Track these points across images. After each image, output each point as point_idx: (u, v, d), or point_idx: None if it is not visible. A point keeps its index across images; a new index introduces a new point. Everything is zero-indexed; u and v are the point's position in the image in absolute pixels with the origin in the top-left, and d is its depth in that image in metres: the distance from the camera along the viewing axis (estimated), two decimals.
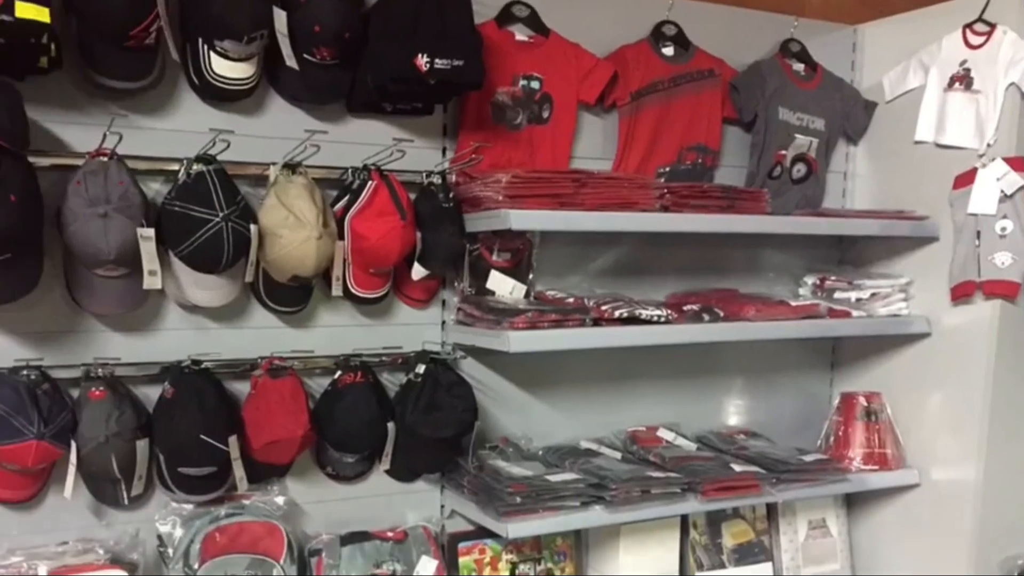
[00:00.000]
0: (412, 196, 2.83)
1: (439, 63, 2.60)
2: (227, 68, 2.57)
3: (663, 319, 2.90)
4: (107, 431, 2.43)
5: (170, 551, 2.63)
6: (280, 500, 2.77)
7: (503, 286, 3.03)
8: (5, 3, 2.09)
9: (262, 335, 2.78)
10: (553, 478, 2.87)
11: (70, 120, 2.51)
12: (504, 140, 3.04)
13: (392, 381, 2.95)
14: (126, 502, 2.60)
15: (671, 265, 3.38)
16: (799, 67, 3.47)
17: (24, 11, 2.12)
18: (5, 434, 2.33)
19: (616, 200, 2.83)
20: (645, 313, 2.87)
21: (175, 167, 2.54)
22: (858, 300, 3.35)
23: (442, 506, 3.08)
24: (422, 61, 2.58)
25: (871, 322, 3.33)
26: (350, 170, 2.79)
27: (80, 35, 2.41)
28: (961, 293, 3.21)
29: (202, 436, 2.50)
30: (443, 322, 3.03)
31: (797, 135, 3.43)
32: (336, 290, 2.77)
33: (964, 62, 3.21)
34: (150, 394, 2.63)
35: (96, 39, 2.42)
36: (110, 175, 2.38)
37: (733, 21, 3.45)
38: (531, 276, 3.10)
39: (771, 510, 3.47)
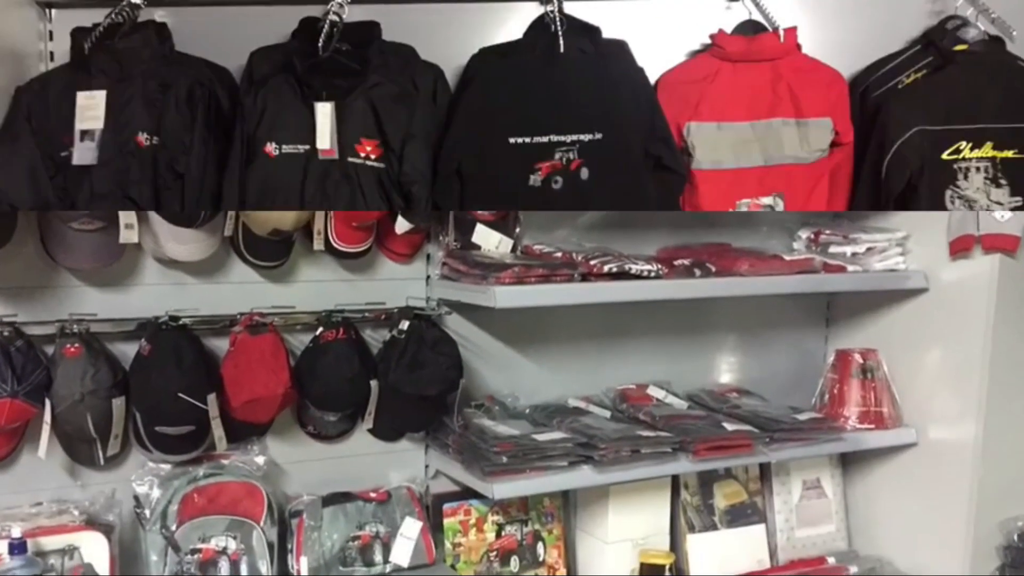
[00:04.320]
0: None
1: None
2: None
3: (653, 274, 2.85)
4: (82, 389, 2.39)
5: (147, 512, 2.58)
6: (260, 460, 2.74)
7: (489, 240, 2.99)
8: None
9: (241, 290, 2.74)
10: (540, 437, 2.83)
11: None
12: None
13: (375, 338, 2.92)
14: (102, 462, 2.56)
15: (662, 218, 3.33)
16: None
17: None
18: None
19: None
20: (635, 268, 2.82)
21: None
22: (854, 254, 3.29)
23: (426, 466, 3.06)
24: None
25: (867, 277, 3.29)
26: None
27: None
28: (959, 247, 3.16)
29: (180, 394, 2.47)
30: (427, 277, 2.99)
31: None
32: (318, 244, 2.74)
33: None
34: (126, 351, 2.58)
35: None
36: None
37: None
38: (518, 230, 3.06)
39: (764, 470, 3.45)
